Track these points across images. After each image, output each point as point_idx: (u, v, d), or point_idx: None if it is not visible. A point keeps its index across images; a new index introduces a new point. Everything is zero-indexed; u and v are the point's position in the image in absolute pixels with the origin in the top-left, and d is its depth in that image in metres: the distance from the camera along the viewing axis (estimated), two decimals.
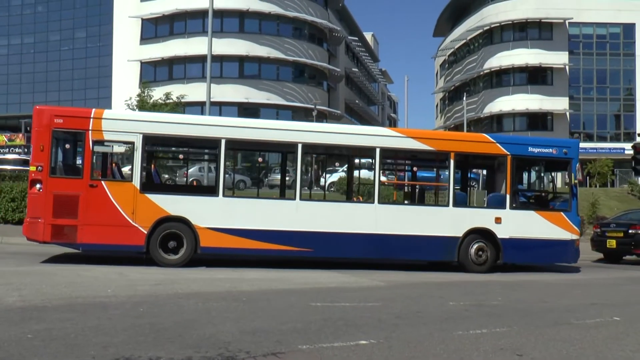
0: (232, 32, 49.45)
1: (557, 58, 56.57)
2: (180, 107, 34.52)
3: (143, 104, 31.53)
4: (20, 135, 55.33)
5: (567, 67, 56.80)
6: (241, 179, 29.26)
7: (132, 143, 12.42)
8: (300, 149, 13.15)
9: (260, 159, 17.56)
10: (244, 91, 49.26)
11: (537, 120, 57.75)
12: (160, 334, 6.13)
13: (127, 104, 32.71)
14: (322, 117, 50.82)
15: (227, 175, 14.14)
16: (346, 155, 16.08)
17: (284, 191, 15.59)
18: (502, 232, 13.72)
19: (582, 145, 20.99)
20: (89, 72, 55.50)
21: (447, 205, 13.85)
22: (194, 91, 42.72)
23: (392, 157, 15.32)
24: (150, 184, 13.40)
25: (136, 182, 12.38)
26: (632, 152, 23.77)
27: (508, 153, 14.01)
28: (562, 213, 14.16)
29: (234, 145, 13.64)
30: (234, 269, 12.41)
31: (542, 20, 56.89)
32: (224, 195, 12.86)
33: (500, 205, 13.96)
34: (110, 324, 6.48)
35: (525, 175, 15.93)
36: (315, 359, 5.52)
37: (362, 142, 13.76)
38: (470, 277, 12.84)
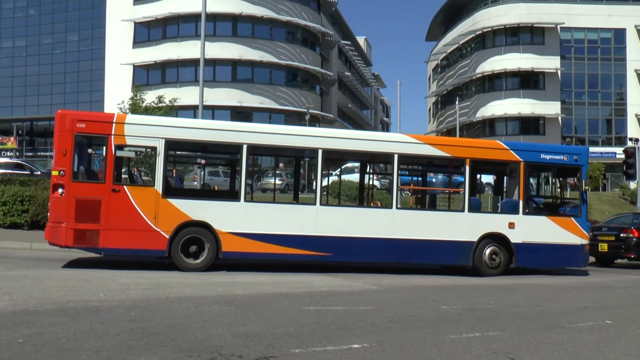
0: (225, 36, 49.48)
1: (549, 63, 56.90)
2: (173, 110, 34.42)
3: (135, 108, 31.41)
4: (12, 138, 55.15)
5: (559, 72, 57.12)
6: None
7: (155, 148, 12.40)
8: (321, 155, 13.22)
9: (281, 164, 17.49)
10: (236, 95, 49.24)
11: (530, 125, 58.01)
12: (153, 338, 6.11)
13: (119, 107, 32.57)
14: (314, 121, 50.81)
15: (248, 180, 14.12)
16: (364, 161, 16.07)
17: (297, 196, 15.40)
18: (515, 237, 13.87)
19: None
20: (81, 76, 55.34)
21: (463, 210, 13.96)
22: (187, 95, 42.75)
23: (409, 163, 15.26)
24: (172, 189, 13.39)
25: (158, 186, 12.36)
26: (623, 156, 23.87)
27: (521, 160, 14.17)
28: (572, 218, 14.35)
29: (256, 151, 13.69)
30: (227, 272, 12.40)
31: (534, 25, 57.20)
32: (245, 200, 12.90)
33: (514, 210, 14.11)
34: (102, 328, 6.45)
35: (535, 181, 16.10)
36: None
37: (380, 148, 13.87)
38: (464, 281, 12.88)
